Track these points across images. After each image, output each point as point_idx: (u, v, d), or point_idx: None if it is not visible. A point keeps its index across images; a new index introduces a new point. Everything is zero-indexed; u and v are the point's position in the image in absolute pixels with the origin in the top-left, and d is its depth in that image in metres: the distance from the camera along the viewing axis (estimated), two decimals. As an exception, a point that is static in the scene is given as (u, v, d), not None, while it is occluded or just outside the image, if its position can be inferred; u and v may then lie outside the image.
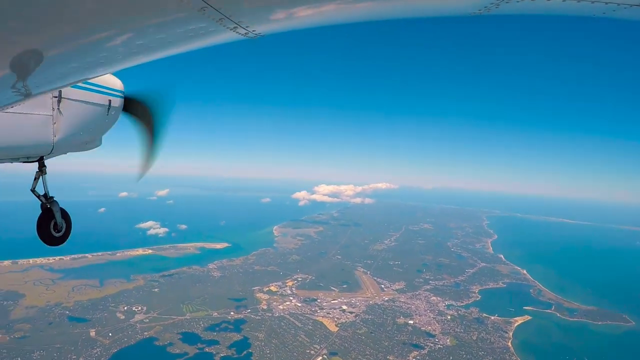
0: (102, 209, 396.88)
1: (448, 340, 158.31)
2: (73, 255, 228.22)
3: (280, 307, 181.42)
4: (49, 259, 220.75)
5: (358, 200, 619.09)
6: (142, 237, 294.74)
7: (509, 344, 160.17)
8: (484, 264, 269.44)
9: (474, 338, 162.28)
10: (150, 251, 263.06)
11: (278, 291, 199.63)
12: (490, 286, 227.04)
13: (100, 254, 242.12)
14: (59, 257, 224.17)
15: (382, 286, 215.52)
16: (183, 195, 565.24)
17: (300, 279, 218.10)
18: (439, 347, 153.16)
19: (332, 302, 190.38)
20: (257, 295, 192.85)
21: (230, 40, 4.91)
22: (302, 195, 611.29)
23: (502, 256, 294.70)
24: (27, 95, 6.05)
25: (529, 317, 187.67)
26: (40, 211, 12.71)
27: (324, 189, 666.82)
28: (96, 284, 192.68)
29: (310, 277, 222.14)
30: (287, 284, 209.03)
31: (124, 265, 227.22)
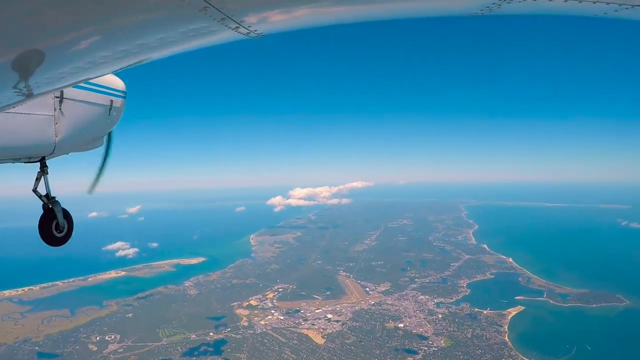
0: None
1: (442, 341, 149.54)
2: (43, 284, 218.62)
3: (262, 322, 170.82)
4: (17, 291, 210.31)
5: (335, 201, 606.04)
6: (114, 259, 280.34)
7: (506, 338, 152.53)
8: (469, 256, 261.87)
9: (469, 336, 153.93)
10: (123, 273, 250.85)
11: (259, 305, 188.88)
12: (478, 278, 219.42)
13: (71, 280, 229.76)
14: (28, 288, 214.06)
15: (367, 289, 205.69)
16: (155, 211, 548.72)
17: (281, 290, 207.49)
18: (433, 350, 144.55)
19: (316, 311, 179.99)
20: (237, 311, 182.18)
21: (232, 39, 4.93)
22: (277, 200, 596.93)
23: (485, 246, 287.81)
24: (29, 95, 6.07)
25: (522, 308, 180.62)
26: (42, 211, 12.55)
27: (299, 192, 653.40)
28: (67, 313, 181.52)
29: (291, 286, 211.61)
30: (267, 297, 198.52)
31: (96, 290, 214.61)
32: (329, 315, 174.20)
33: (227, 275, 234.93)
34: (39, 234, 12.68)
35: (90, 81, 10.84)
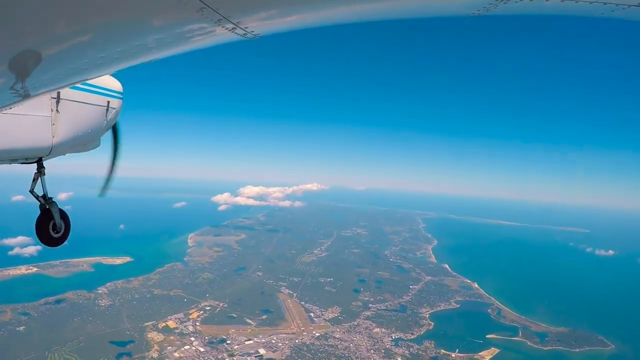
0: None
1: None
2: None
3: (176, 354, 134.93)
4: None
5: (287, 203, 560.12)
6: (28, 252, 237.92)
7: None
8: (430, 278, 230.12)
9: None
10: (34, 269, 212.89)
11: (177, 328, 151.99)
12: (442, 307, 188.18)
13: None
14: None
15: (312, 315, 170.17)
16: (87, 199, 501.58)
17: (208, 308, 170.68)
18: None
19: (247, 343, 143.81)
20: (149, 335, 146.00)
21: (228, 41, 4.90)
22: (224, 198, 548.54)
23: (447, 266, 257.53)
24: (26, 96, 6.10)
25: (497, 350, 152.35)
26: (39, 212, 12.51)
27: (250, 190, 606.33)
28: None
29: (221, 304, 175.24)
30: (190, 316, 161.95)
31: None
32: (262, 351, 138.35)
33: (149, 283, 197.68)
34: (36, 235, 12.52)
35: (87, 82, 10.64)
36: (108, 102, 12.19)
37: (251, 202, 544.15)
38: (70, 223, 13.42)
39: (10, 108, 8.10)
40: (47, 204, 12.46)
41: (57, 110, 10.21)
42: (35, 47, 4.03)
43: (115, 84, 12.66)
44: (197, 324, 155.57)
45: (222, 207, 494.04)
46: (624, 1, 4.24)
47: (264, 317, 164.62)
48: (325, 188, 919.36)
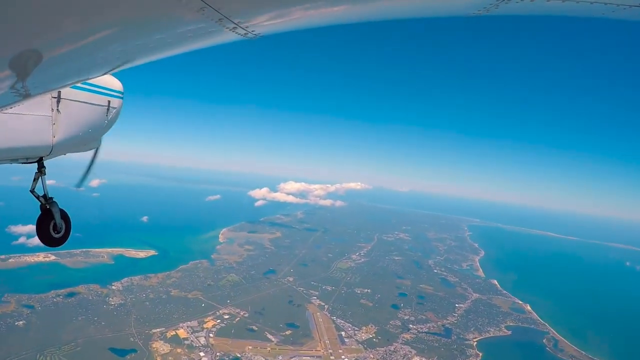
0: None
1: None
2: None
3: None
4: None
5: (328, 202, 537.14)
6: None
7: None
8: (477, 295, 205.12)
9: None
10: (52, 257, 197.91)
11: (187, 339, 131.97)
12: (491, 334, 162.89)
13: None
14: None
15: (343, 334, 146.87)
16: (118, 186, 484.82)
17: (227, 317, 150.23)
18: None
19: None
20: (154, 345, 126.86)
21: (230, 40, 4.87)
22: (262, 192, 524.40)
23: (496, 282, 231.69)
24: (26, 95, 5.97)
25: None
26: (39, 212, 12.21)
27: (291, 186, 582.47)
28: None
29: (242, 312, 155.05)
30: (204, 326, 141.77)
31: (8, 276, 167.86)
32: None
33: (169, 282, 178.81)
34: (36, 235, 12.15)
35: (88, 81, 10.72)
36: (109, 101, 11.86)
37: (291, 198, 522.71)
38: (71, 223, 12.56)
39: (11, 107, 8.00)
40: (47, 204, 11.83)
41: (57, 109, 10.00)
42: (36, 46, 4.02)
43: (116, 84, 12.29)
44: (211, 335, 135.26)
45: (259, 203, 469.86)
46: (625, 1, 4.26)
47: (288, 332, 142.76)
48: (368, 188, 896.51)
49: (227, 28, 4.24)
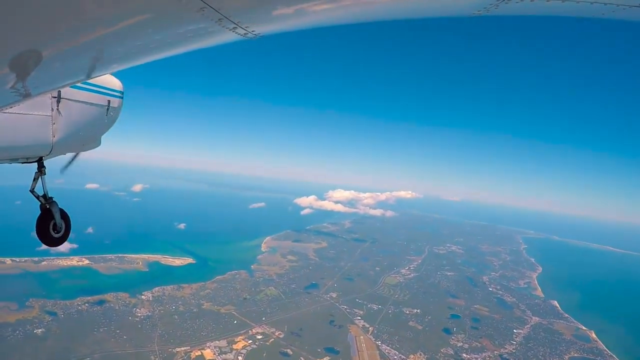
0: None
1: None
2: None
3: None
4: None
5: (378, 212, 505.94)
6: (82, 242, 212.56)
7: None
8: (537, 319, 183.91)
9: None
10: (86, 261, 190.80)
11: None
12: None
13: (23, 259, 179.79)
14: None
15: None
16: (161, 190, 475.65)
17: (260, 337, 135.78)
18: None
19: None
20: None
21: (229, 40, 4.83)
22: (309, 201, 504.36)
23: (556, 304, 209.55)
24: (26, 95, 5.88)
25: None
26: (39, 212, 12.20)
27: (340, 194, 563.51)
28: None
29: (277, 332, 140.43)
30: (234, 346, 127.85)
31: (38, 279, 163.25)
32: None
33: (202, 293, 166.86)
34: (36, 235, 12.07)
35: (88, 81, 10.63)
36: (109, 101, 11.78)
37: (339, 207, 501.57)
38: (71, 223, 12.47)
39: (11, 107, 7.93)
40: (47, 204, 11.78)
41: (57, 109, 9.92)
42: (35, 46, 3.98)
43: (116, 83, 12.17)
44: (240, 358, 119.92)
45: (305, 211, 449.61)
46: (625, 1, 4.27)
47: (326, 359, 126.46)
48: (419, 197, 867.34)
49: (227, 28, 4.23)
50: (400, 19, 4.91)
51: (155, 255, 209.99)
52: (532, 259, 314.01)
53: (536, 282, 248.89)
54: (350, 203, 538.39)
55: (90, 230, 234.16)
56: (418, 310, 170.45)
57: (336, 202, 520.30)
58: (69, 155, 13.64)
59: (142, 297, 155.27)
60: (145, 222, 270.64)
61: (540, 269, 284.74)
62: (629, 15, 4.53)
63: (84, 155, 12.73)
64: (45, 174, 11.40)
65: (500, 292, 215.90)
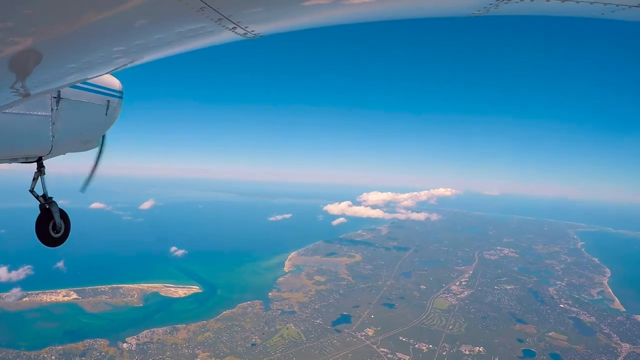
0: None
1: None
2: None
3: None
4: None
5: (422, 215, 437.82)
6: (77, 271, 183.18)
7: None
8: (628, 346, 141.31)
9: None
10: (74, 295, 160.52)
11: None
12: None
13: (3, 295, 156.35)
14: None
15: None
16: (175, 204, 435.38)
17: None
18: None
19: None
20: None
21: (229, 40, 4.86)
22: (341, 207, 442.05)
23: None
24: (26, 95, 5.92)
25: None
26: (39, 212, 12.08)
27: (376, 197, 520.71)
28: None
29: None
30: None
31: (10, 321, 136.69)
32: None
33: (200, 338, 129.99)
34: (35, 235, 11.88)
35: (87, 81, 10.57)
36: (108, 101, 11.63)
37: (377, 213, 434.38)
38: (70, 223, 12.27)
39: (11, 107, 7.75)
40: (47, 204, 11.63)
41: (57, 109, 9.82)
42: (35, 46, 3.98)
43: (116, 83, 12.01)
44: None
45: (337, 221, 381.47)
46: (625, 2, 4.23)
47: None
48: (459, 193, 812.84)
49: (226, 28, 4.22)
50: (401, 19, 4.91)
51: (156, 284, 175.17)
52: (596, 259, 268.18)
53: (610, 291, 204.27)
54: (388, 206, 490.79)
55: (85, 256, 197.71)
56: (481, 349, 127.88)
57: (373, 207, 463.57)
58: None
59: (124, 345, 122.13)
60: (150, 243, 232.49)
61: (609, 271, 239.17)
62: (629, 15, 4.52)
63: (99, 172, 12.59)
64: (44, 174, 11.16)
65: (575, 309, 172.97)
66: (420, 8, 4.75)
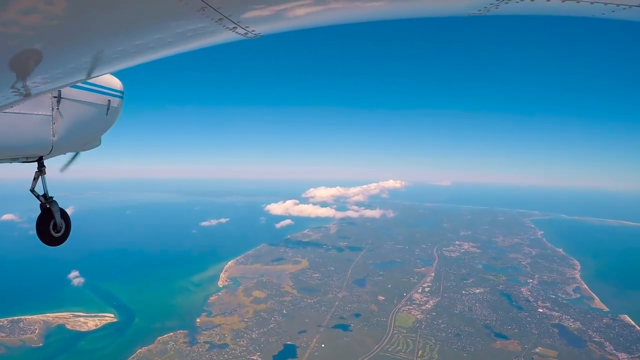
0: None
1: None
2: None
3: None
4: None
5: (376, 212, 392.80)
6: None
7: None
8: (624, 356, 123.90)
9: None
10: None
11: None
12: None
13: None
14: None
15: None
16: (94, 212, 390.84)
17: None
18: None
19: None
20: None
21: (230, 40, 4.86)
22: (285, 207, 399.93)
23: (630, 320, 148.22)
24: (27, 95, 5.89)
25: None
26: (39, 211, 11.88)
27: (323, 193, 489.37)
28: None
29: None
30: None
31: None
32: None
33: None
34: (36, 234, 11.72)
35: (88, 81, 10.43)
36: (109, 100, 11.61)
37: (325, 212, 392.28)
38: (71, 222, 12.07)
39: (11, 107, 7.73)
40: (47, 203, 11.50)
41: (57, 109, 9.81)
42: (36, 46, 3.98)
43: (116, 83, 11.99)
44: None
45: (282, 224, 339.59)
46: (625, 1, 4.24)
47: None
48: (408, 185, 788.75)
49: (227, 28, 4.21)
50: (400, 19, 4.89)
51: (64, 313, 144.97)
52: (560, 250, 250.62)
53: (586, 287, 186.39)
54: (338, 202, 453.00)
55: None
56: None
57: (322, 205, 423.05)
58: (69, 155, 13.20)
59: None
60: (60, 261, 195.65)
61: (578, 264, 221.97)
62: (629, 15, 4.52)
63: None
64: (45, 174, 11.09)
65: (556, 314, 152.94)
66: (421, 7, 4.71)
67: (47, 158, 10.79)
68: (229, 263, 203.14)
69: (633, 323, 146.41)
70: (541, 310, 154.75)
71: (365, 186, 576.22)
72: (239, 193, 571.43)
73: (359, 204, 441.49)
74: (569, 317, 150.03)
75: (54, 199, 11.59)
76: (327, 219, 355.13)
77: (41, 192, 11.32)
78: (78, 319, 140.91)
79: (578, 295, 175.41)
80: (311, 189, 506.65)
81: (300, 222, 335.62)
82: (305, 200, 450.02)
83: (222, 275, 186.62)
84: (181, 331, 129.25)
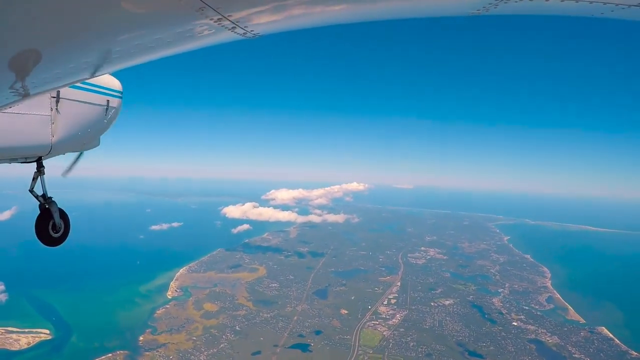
0: None
1: None
2: None
3: None
4: None
5: (336, 217, 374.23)
6: None
7: None
8: None
9: None
10: None
11: None
12: None
13: None
14: None
15: None
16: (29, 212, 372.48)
17: None
18: None
19: None
20: None
21: (228, 40, 4.87)
22: (243, 209, 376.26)
23: (608, 332, 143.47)
24: (26, 95, 5.99)
25: None
26: (38, 211, 11.88)
27: (284, 195, 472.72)
28: None
29: None
30: None
31: None
32: None
33: None
34: (35, 234, 11.67)
35: (87, 81, 10.53)
36: (107, 101, 11.68)
37: (287, 215, 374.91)
38: (70, 223, 12.08)
39: (10, 107, 7.82)
40: (46, 204, 11.50)
41: (56, 109, 9.85)
42: (35, 46, 3.99)
43: (115, 83, 12.10)
44: None
45: (239, 229, 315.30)
46: (624, 1, 4.23)
47: None
48: (371, 188, 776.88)
49: (226, 28, 4.23)
50: (400, 19, 4.95)
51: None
52: (528, 256, 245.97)
53: (559, 296, 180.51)
54: (299, 205, 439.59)
55: None
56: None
57: (283, 208, 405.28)
58: (70, 158, 13.50)
59: None
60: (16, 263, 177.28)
61: (547, 271, 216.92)
62: (628, 15, 4.54)
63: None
64: (44, 174, 11.11)
65: (531, 327, 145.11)
66: (420, 7, 4.79)
67: (46, 159, 10.69)
68: (181, 270, 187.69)
69: (612, 336, 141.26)
70: (515, 324, 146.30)
71: (328, 188, 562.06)
72: (195, 194, 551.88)
73: (322, 207, 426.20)
74: (545, 330, 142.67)
75: (52, 199, 11.44)
76: (287, 223, 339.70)
77: (40, 193, 11.16)
78: (10, 334, 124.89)
79: (552, 306, 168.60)
80: (272, 191, 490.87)
81: (259, 226, 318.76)
82: (265, 203, 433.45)
83: (172, 284, 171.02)
84: (121, 352, 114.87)
